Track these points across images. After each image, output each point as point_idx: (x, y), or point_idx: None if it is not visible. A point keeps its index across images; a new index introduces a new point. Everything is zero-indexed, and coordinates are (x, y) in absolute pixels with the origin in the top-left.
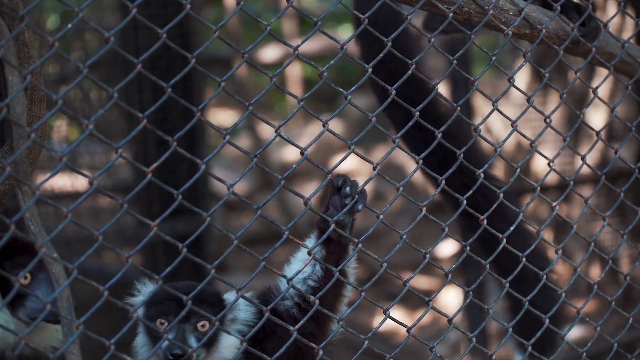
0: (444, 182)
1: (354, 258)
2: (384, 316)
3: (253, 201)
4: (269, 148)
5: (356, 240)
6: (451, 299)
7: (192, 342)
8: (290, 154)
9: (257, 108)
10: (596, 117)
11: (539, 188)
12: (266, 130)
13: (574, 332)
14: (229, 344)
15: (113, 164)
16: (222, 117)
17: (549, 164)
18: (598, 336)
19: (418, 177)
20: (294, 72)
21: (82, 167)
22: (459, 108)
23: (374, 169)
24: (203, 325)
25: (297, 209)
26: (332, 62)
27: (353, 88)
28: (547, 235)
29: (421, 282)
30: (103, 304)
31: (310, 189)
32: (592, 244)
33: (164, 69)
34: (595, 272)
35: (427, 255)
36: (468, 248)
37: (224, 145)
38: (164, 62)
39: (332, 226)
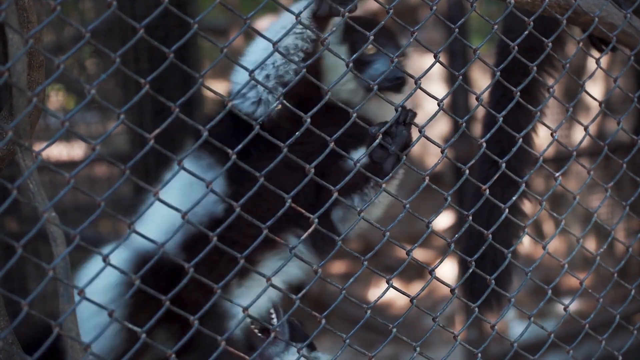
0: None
1: None
2: (379, 288)
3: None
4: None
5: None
6: (445, 271)
7: None
8: None
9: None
10: (593, 90)
11: (541, 159)
12: None
13: (571, 305)
14: None
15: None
16: (218, 88)
17: (552, 134)
18: (594, 309)
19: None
20: None
21: (79, 138)
22: (460, 77)
23: (375, 138)
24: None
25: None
26: (333, 29)
27: (354, 56)
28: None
29: (416, 254)
30: (98, 273)
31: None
32: (595, 215)
33: (160, 39)
34: (590, 246)
35: (430, 225)
36: (470, 218)
37: (226, 113)
38: (160, 32)
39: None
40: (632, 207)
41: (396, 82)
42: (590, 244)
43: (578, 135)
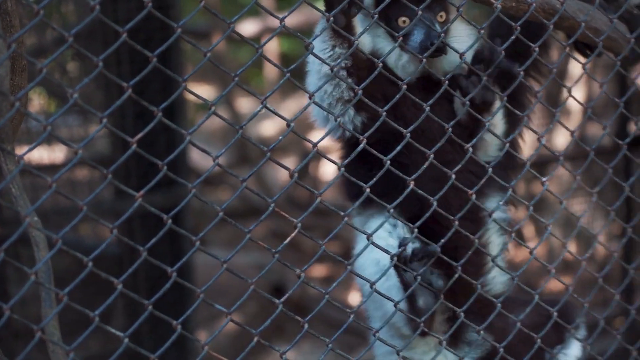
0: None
1: None
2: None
3: (230, 177)
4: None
5: None
6: None
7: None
8: (268, 129)
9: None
10: (575, 95)
11: (528, 163)
12: (244, 106)
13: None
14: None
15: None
16: (200, 92)
17: (538, 139)
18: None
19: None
20: (272, 47)
21: (61, 142)
22: (446, 82)
23: (360, 142)
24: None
25: (274, 184)
26: (318, 34)
27: (339, 60)
28: (524, 213)
29: None
30: (81, 278)
31: (287, 165)
32: (580, 220)
33: (142, 42)
34: (571, 250)
35: (415, 230)
36: (457, 223)
37: (209, 117)
38: (142, 35)
39: None
40: (613, 212)
41: (435, 49)
42: (571, 248)
43: (559, 139)
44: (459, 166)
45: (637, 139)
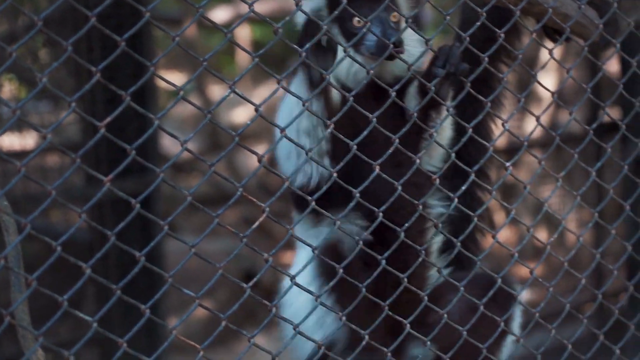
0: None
1: None
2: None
3: (200, 163)
4: (217, 110)
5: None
6: None
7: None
8: (239, 115)
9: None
10: (545, 82)
11: (491, 148)
12: (215, 92)
13: (521, 295)
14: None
15: (61, 123)
16: (171, 80)
17: (502, 125)
18: (542, 297)
19: None
20: (243, 34)
21: (30, 127)
22: (411, 68)
23: (327, 127)
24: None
25: (245, 171)
26: (287, 18)
27: (307, 45)
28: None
29: None
30: (50, 262)
31: (259, 151)
32: (546, 205)
33: (113, 27)
34: (541, 236)
35: (379, 214)
36: (420, 207)
37: (178, 101)
38: (113, 21)
39: None
40: (583, 198)
41: (394, 48)
42: (541, 235)
43: (530, 126)
44: (406, 177)
45: (608, 125)
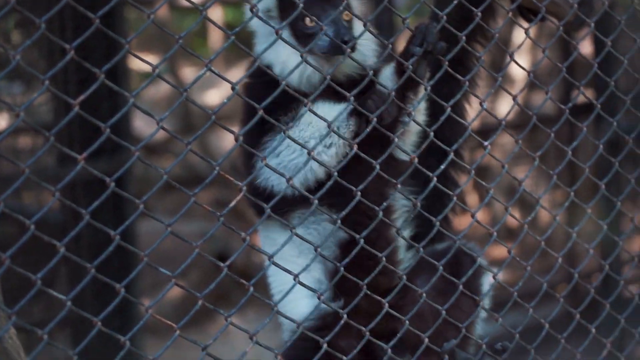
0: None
1: None
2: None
3: (173, 145)
4: (190, 91)
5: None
6: None
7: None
8: (212, 97)
9: (179, 53)
10: (520, 63)
11: (470, 128)
12: (188, 75)
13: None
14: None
15: (33, 103)
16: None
17: (480, 104)
18: (514, 279)
19: None
20: (215, 16)
21: (2, 109)
22: (390, 46)
23: (305, 105)
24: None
25: (218, 152)
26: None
27: (284, 24)
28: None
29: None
30: (23, 241)
31: (229, 135)
32: (522, 185)
33: (86, 7)
34: (514, 218)
35: (357, 194)
36: (399, 186)
37: (153, 79)
38: (87, 1)
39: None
40: (556, 179)
41: (347, 45)
42: (515, 215)
43: (503, 107)
44: (384, 156)
45: (581, 106)
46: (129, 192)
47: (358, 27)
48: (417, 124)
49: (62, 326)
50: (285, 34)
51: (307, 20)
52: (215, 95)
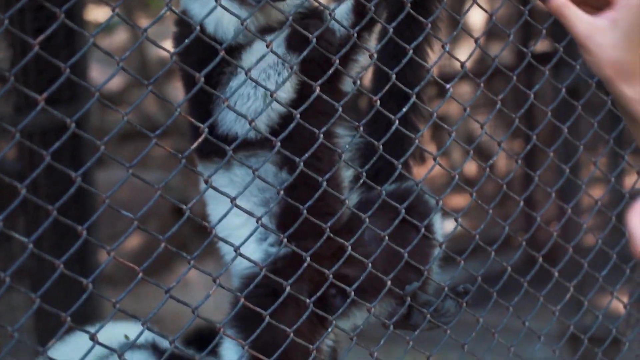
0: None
1: None
2: None
3: (129, 95)
4: (145, 44)
5: None
6: None
7: None
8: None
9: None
10: (473, 14)
11: (432, 70)
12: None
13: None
14: None
15: None
16: (100, 14)
17: (442, 46)
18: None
19: None
20: None
21: None
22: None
23: (267, 46)
24: None
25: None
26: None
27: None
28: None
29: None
30: None
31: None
32: (485, 128)
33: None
34: (471, 167)
35: (320, 135)
36: (361, 129)
37: (112, 17)
38: None
39: None
40: (509, 127)
41: None
42: (471, 165)
43: (461, 56)
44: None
45: (539, 55)
46: (86, 141)
47: None
48: (379, 65)
49: (21, 276)
50: None
51: None
52: (169, 46)
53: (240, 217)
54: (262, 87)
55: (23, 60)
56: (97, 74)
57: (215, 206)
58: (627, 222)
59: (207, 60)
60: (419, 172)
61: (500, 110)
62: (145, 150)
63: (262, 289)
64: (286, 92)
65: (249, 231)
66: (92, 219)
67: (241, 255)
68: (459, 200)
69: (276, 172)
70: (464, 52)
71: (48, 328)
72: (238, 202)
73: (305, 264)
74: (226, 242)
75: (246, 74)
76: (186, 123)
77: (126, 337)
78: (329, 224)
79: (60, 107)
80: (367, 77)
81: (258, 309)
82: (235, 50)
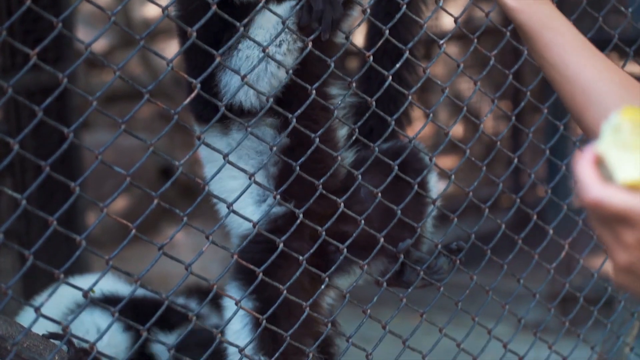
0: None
1: None
2: None
3: (114, 58)
4: (130, 5)
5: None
6: None
7: None
8: (152, 11)
9: None
10: None
11: (425, 26)
12: None
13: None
14: None
15: None
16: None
17: (436, 2)
18: (460, 191)
19: None
20: None
21: None
22: None
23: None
24: None
25: (160, 65)
26: None
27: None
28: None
29: None
30: None
31: (171, 48)
32: (478, 84)
33: None
34: (458, 130)
35: (313, 91)
36: (354, 85)
37: None
38: None
39: None
40: (498, 89)
41: None
42: (458, 128)
43: (445, 21)
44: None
45: None
46: (72, 103)
47: None
48: (372, 20)
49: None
50: None
51: None
52: (154, 9)
53: (237, 180)
54: (255, 42)
55: (13, 16)
56: (82, 35)
57: (212, 169)
58: (575, 170)
59: (211, 22)
60: (409, 132)
61: (489, 71)
62: (137, 106)
63: (262, 245)
64: (282, 55)
65: (246, 194)
66: (84, 175)
67: (234, 212)
68: (447, 162)
69: (274, 135)
70: (453, 13)
71: (35, 290)
72: (236, 162)
73: (298, 221)
74: (219, 199)
75: (244, 34)
76: (172, 86)
77: (92, 291)
78: (321, 181)
79: (46, 71)
80: (361, 36)
81: (252, 266)
82: (244, 9)
